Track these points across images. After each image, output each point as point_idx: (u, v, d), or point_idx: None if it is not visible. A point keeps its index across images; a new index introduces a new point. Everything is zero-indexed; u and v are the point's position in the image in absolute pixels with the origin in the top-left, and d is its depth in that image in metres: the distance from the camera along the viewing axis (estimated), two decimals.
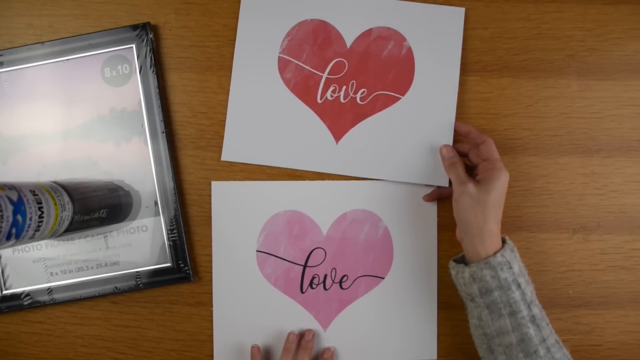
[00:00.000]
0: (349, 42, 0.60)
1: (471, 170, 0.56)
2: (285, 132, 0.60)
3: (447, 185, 0.59)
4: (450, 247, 0.60)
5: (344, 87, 0.60)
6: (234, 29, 0.61)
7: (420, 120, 0.60)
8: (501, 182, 0.51)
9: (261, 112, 0.60)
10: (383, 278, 0.60)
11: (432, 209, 0.60)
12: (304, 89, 0.60)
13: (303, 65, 0.60)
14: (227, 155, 0.60)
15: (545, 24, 0.61)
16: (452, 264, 0.54)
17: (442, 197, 0.60)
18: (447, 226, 0.60)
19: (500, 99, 0.61)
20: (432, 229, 0.60)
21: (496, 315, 0.49)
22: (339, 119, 0.60)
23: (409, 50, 0.60)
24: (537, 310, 0.49)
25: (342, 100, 0.60)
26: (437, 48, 0.60)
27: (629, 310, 0.60)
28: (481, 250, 0.50)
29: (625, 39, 0.60)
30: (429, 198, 0.59)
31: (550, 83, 0.61)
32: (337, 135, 0.60)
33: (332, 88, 0.60)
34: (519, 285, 0.49)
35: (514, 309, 0.48)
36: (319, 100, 0.60)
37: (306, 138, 0.60)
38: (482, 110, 0.61)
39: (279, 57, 0.60)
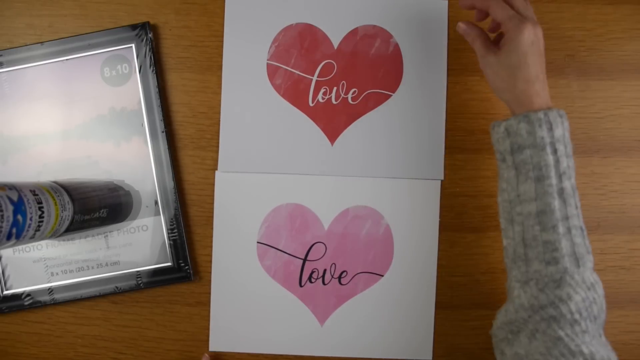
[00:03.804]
0: (335, 43, 0.60)
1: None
2: (280, 138, 0.60)
3: (442, 178, 0.60)
4: (450, 247, 0.60)
5: (335, 88, 0.60)
6: None
7: (413, 115, 0.60)
8: (520, 41, 0.46)
9: (255, 121, 0.60)
10: (382, 275, 0.60)
11: (434, 208, 0.60)
12: (295, 93, 0.60)
13: (292, 70, 0.60)
14: (224, 166, 0.60)
15: (545, 24, 0.60)
16: (492, 123, 0.50)
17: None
18: (448, 226, 0.60)
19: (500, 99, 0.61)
20: (433, 228, 0.60)
21: (523, 177, 0.45)
22: (333, 121, 0.60)
23: (396, 47, 0.60)
24: (568, 184, 0.44)
25: (334, 101, 0.60)
26: (424, 42, 0.60)
27: (629, 310, 0.60)
28: (519, 110, 0.46)
29: (625, 39, 0.60)
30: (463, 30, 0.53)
31: (550, 83, 0.60)
32: (332, 136, 0.60)
33: (323, 90, 0.60)
34: (555, 151, 0.44)
35: (543, 173, 0.44)
36: (311, 104, 0.60)
37: (302, 142, 0.60)
38: (482, 110, 0.61)
39: (267, 64, 0.60)
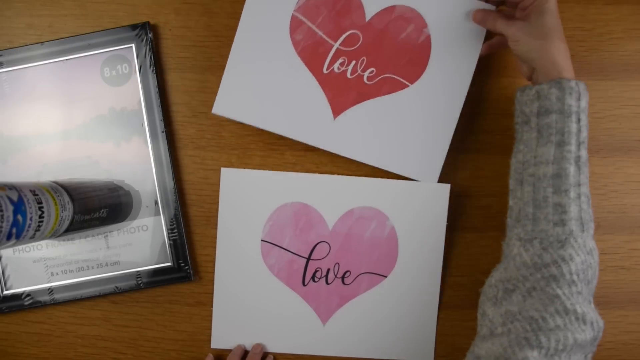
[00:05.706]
0: (368, 15, 0.56)
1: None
2: (283, 96, 0.57)
3: (436, 181, 0.58)
4: (451, 247, 0.60)
5: (354, 62, 0.57)
6: (234, 29, 0.60)
7: (424, 112, 0.57)
8: (549, 3, 0.48)
9: (262, 71, 0.56)
10: (385, 277, 0.60)
11: (442, 213, 0.59)
12: (312, 55, 0.56)
13: (316, 29, 0.56)
14: (219, 109, 0.56)
15: None
16: (520, 87, 0.51)
17: (495, 50, 0.57)
18: (448, 226, 0.60)
19: (500, 99, 0.60)
20: (439, 231, 0.59)
21: (544, 140, 0.47)
22: (342, 95, 0.57)
23: (428, 38, 0.56)
24: (584, 154, 0.47)
25: (348, 75, 0.57)
26: (458, 41, 0.56)
27: (629, 310, 0.60)
28: (548, 76, 0.48)
29: (625, 39, 0.60)
30: (485, 51, 0.56)
31: None
32: (337, 110, 0.57)
33: (341, 60, 0.57)
34: (579, 120, 0.46)
35: (565, 139, 0.46)
36: (325, 71, 0.57)
37: (304, 107, 0.57)
38: (482, 110, 0.61)
39: (292, 15, 0.56)
